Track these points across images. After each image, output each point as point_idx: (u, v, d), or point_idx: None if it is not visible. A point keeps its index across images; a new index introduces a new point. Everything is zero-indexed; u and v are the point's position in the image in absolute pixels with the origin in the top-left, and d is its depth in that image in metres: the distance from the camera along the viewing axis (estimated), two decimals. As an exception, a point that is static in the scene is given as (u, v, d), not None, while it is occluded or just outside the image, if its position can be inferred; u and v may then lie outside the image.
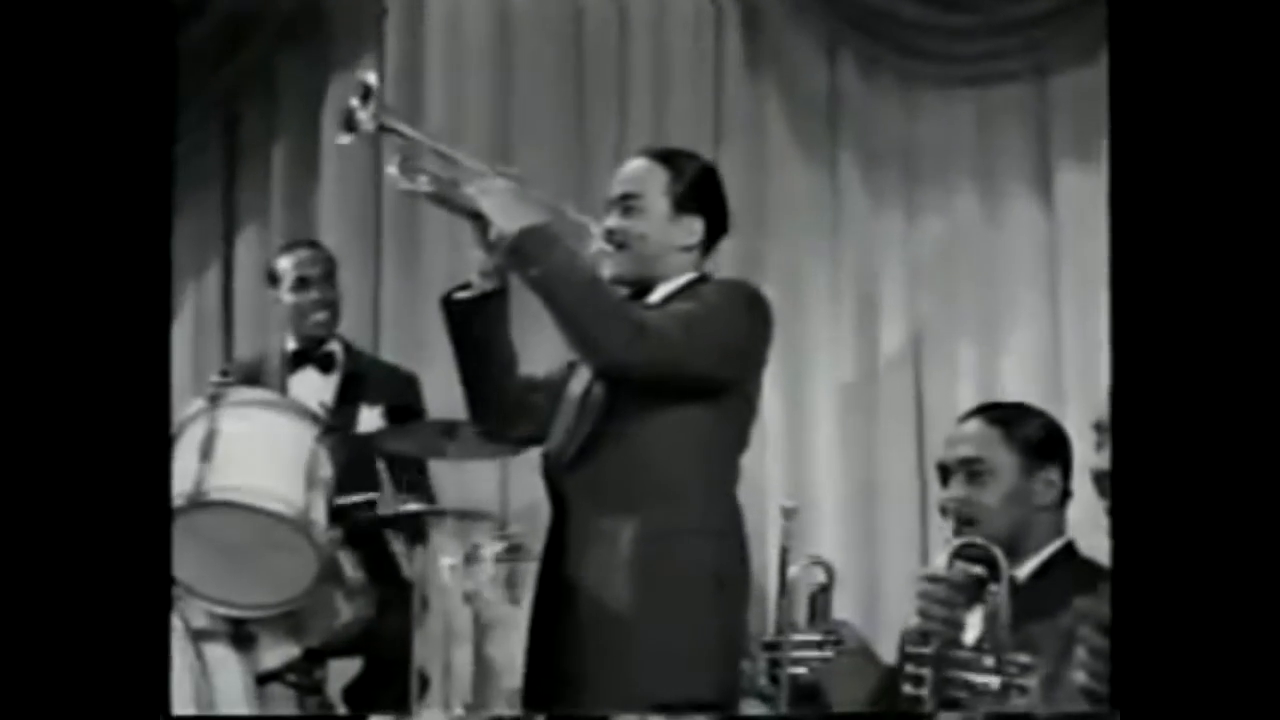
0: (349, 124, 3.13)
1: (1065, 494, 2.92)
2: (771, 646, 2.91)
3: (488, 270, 3.21)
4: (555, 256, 3.07)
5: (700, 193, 3.34)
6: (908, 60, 5.33)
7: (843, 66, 5.46)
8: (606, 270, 3.27)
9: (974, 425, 2.96)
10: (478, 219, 3.13)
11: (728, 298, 3.26)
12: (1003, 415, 2.99)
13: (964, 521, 2.87)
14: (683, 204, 3.31)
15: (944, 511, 2.93)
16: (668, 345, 3.11)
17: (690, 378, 3.17)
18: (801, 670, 2.87)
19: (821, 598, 2.94)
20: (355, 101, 3.12)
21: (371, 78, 3.16)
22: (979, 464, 2.90)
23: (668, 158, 3.36)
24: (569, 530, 3.25)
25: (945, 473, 2.95)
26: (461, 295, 3.26)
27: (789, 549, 2.95)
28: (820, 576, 2.94)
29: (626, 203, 3.30)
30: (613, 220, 3.30)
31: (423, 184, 3.19)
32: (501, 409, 3.37)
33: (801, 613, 2.94)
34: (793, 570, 2.92)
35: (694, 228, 3.32)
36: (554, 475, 3.31)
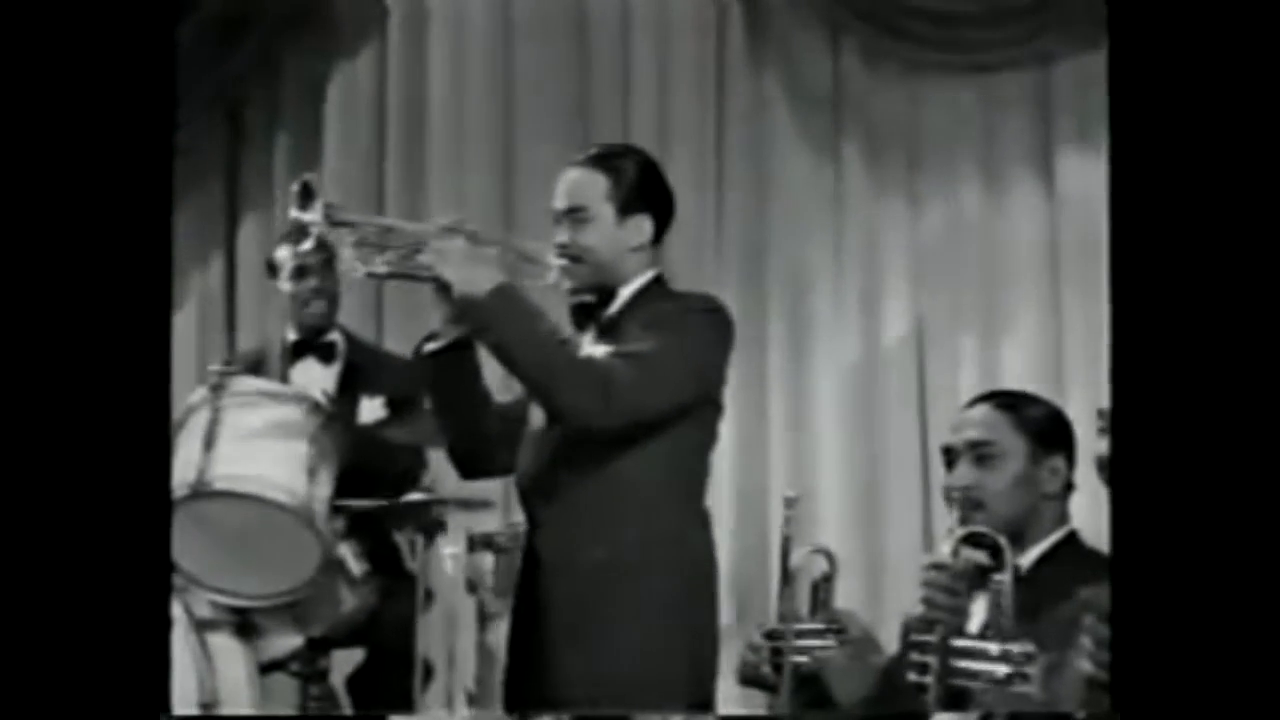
0: (300, 232, 3.10)
1: (1069, 484, 2.91)
2: (774, 635, 2.91)
3: (452, 318, 3.21)
4: (512, 323, 3.08)
5: (643, 191, 3.32)
6: (910, 48, 5.33)
7: (845, 55, 5.47)
8: (565, 283, 3.28)
9: (982, 410, 2.96)
10: (439, 284, 3.13)
11: (690, 323, 3.24)
12: (1011, 401, 2.98)
13: (971, 506, 2.86)
14: (627, 207, 3.29)
15: (949, 497, 2.92)
16: (633, 399, 3.11)
17: (660, 417, 3.17)
18: (804, 659, 2.86)
19: (824, 587, 2.94)
20: (295, 209, 3.09)
21: (310, 178, 3.13)
22: (988, 447, 2.89)
23: (605, 162, 3.32)
24: (540, 544, 3.27)
25: (951, 457, 2.94)
26: (431, 347, 3.27)
27: (791, 538, 2.94)
28: (823, 565, 2.94)
29: (573, 216, 3.28)
30: (562, 235, 3.28)
31: (379, 266, 3.18)
32: (482, 446, 3.39)
33: (804, 602, 2.93)
34: (795, 559, 2.91)
35: (643, 227, 3.30)
36: (526, 495, 3.33)
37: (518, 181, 5.61)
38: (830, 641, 2.87)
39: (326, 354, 4.79)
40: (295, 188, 3.12)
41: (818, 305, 5.44)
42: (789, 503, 3.01)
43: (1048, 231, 5.22)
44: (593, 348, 3.24)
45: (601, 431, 3.15)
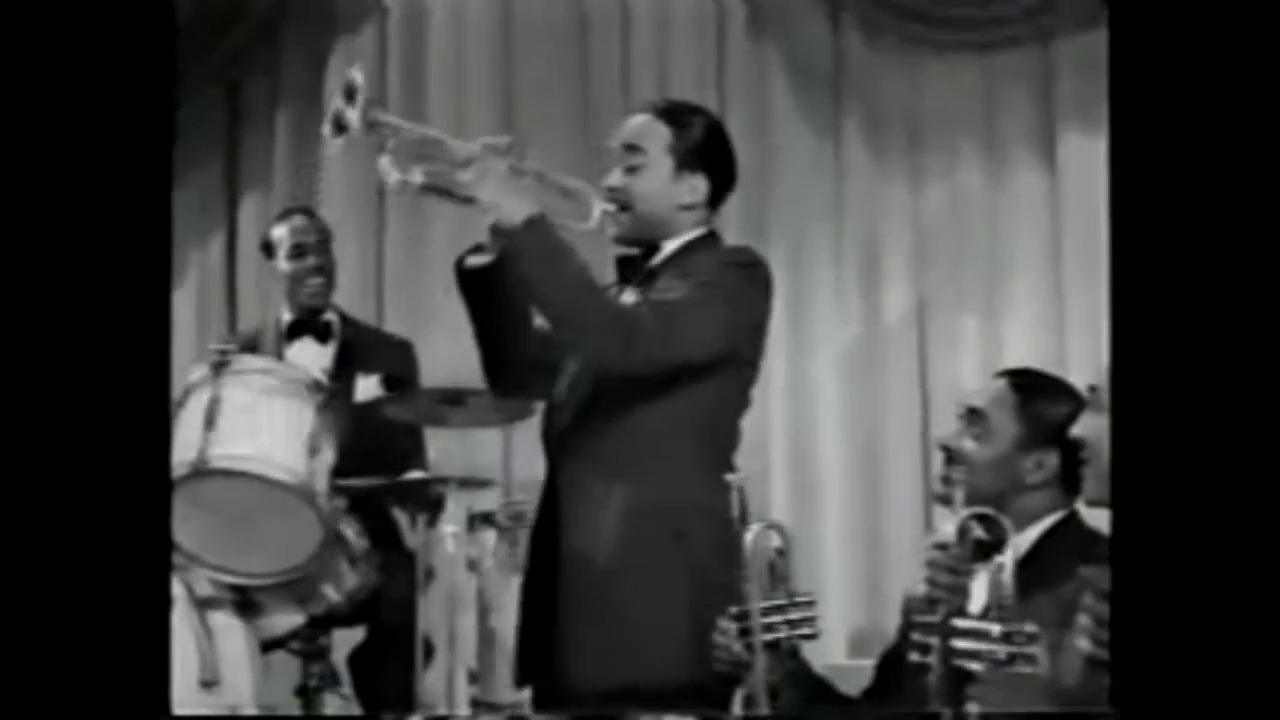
0: (338, 125, 3.02)
1: (1063, 478, 2.88)
2: (740, 617, 2.86)
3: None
4: (541, 259, 3.01)
5: (704, 151, 3.27)
6: (911, 26, 5.33)
7: (846, 32, 5.46)
8: (610, 229, 3.22)
9: (998, 383, 2.96)
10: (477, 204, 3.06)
11: (724, 275, 3.16)
12: (1027, 383, 2.96)
13: (951, 461, 2.87)
14: (685, 162, 3.23)
15: (946, 480, 2.91)
16: (657, 347, 3.06)
17: (685, 368, 3.11)
18: (773, 636, 2.82)
19: (780, 563, 2.89)
20: (341, 102, 3.02)
21: (357, 76, 3.05)
22: (980, 420, 2.90)
23: (671, 114, 3.27)
24: (559, 494, 3.21)
25: (949, 453, 2.94)
26: (474, 261, 3.17)
27: (739, 519, 2.87)
28: (775, 540, 2.89)
29: (629, 160, 3.23)
30: (615, 178, 3.23)
31: (415, 175, 3.11)
32: (517, 370, 3.30)
33: (764, 579, 2.88)
34: (747, 537, 2.85)
35: (697, 186, 3.25)
36: (551, 436, 3.27)
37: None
38: (795, 615, 2.84)
39: (322, 333, 4.80)
40: (344, 84, 3.04)
41: (818, 284, 5.44)
42: (729, 485, 2.93)
43: (1049, 209, 5.22)
44: (627, 296, 3.19)
45: (624, 379, 3.10)
